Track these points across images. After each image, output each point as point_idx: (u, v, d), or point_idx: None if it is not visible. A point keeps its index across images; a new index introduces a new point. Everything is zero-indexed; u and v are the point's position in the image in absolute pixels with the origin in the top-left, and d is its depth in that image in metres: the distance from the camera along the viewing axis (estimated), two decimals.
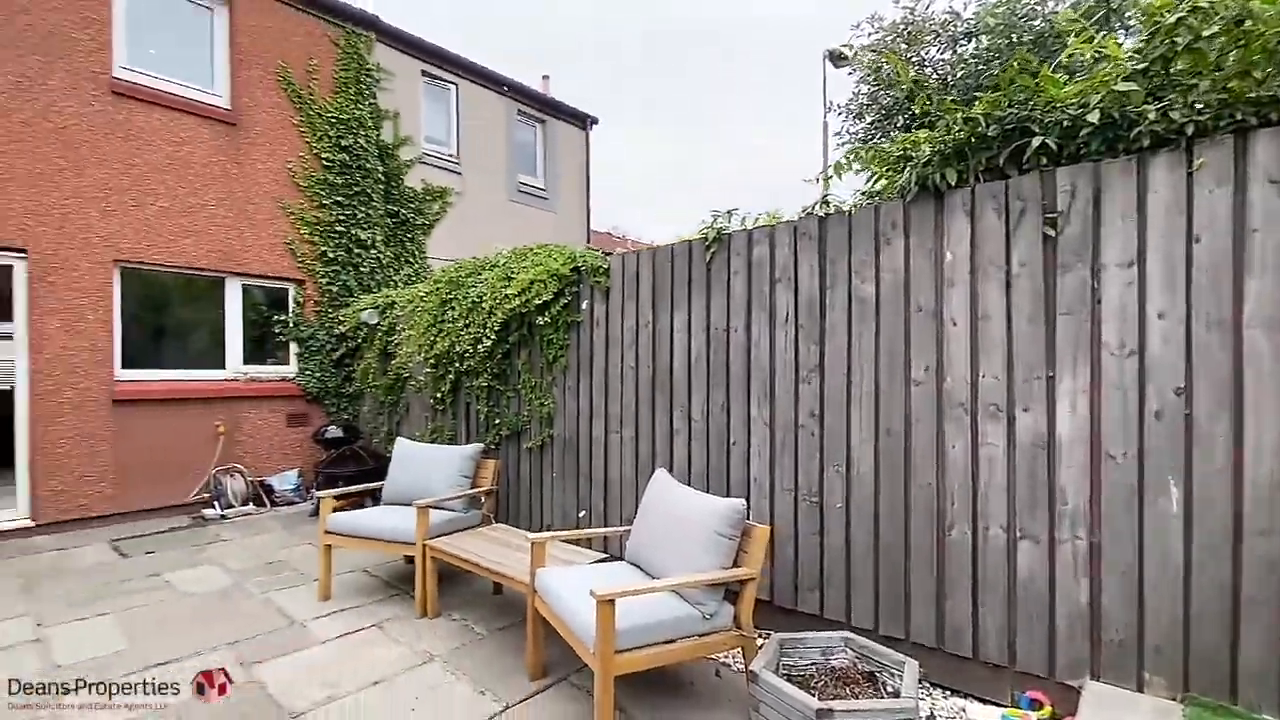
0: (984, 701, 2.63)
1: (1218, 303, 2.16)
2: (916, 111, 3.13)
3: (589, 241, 11.69)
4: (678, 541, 2.73)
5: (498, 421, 4.86)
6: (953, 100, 2.83)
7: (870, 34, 9.29)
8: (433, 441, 5.38)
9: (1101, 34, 2.61)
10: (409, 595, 3.86)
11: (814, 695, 2.25)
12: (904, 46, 8.45)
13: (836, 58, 10.65)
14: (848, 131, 9.40)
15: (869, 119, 8.84)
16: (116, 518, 5.66)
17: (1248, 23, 2.11)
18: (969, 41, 8.31)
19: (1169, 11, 2.24)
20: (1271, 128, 2.09)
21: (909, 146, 2.92)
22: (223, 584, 4.16)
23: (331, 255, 7.22)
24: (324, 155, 7.22)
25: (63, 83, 5.50)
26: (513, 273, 4.61)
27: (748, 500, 3.36)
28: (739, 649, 2.68)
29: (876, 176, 3.14)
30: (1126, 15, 7.15)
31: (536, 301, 4.38)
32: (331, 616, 3.60)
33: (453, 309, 5.11)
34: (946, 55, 8.56)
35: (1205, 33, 2.16)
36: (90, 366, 5.59)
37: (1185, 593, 2.20)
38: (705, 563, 2.58)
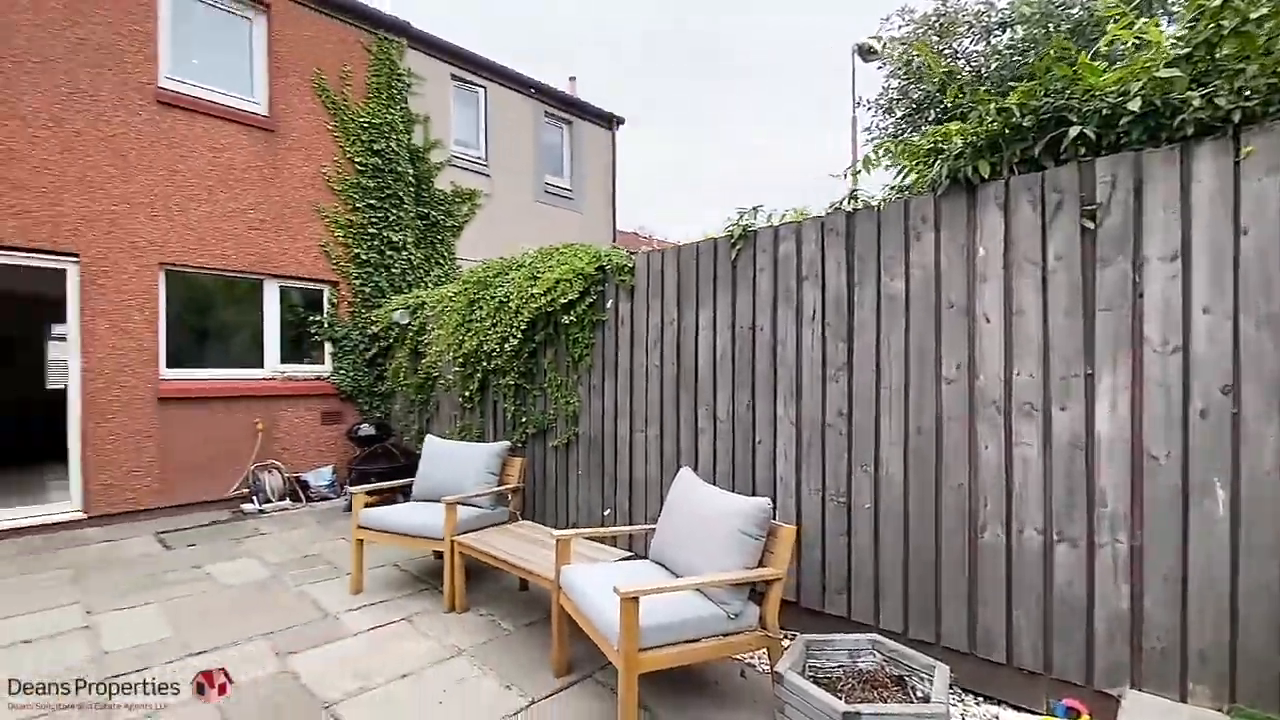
0: (1018, 709, 2.55)
1: (1267, 297, 2.06)
2: (949, 104, 3.07)
3: (615, 241, 11.73)
4: (702, 541, 2.72)
5: (524, 420, 4.91)
6: (985, 90, 2.76)
7: (901, 26, 9.12)
8: (461, 439, 5.46)
9: (1142, 20, 2.51)
10: (438, 590, 3.92)
11: (840, 698, 2.22)
12: (936, 39, 8.27)
13: (866, 52, 10.48)
14: (877, 127, 9.24)
15: (899, 114, 8.68)
16: (161, 511, 5.88)
17: None
18: (1004, 32, 8.09)
19: None
20: None
21: (940, 139, 2.85)
22: (260, 576, 4.29)
23: (364, 257, 7.39)
24: (357, 159, 7.40)
25: (112, 93, 5.73)
26: (538, 272, 4.65)
27: (774, 500, 3.32)
28: (764, 650, 2.65)
29: (906, 170, 3.08)
30: (1169, 0, 6.88)
31: (562, 300, 4.41)
32: (363, 609, 3.68)
33: (480, 309, 5.18)
34: (980, 47, 8.35)
35: (1253, 15, 2.06)
36: (137, 365, 5.82)
37: (1232, 598, 2.11)
38: (730, 562, 2.56)
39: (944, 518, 2.77)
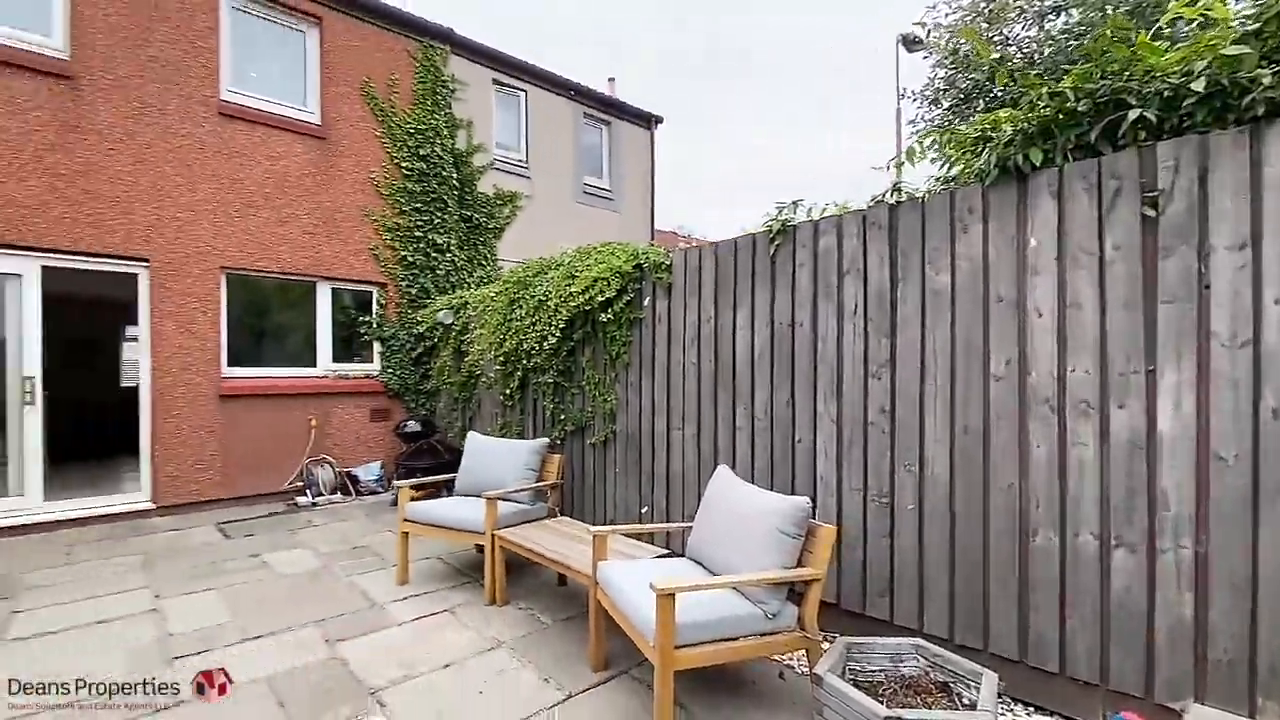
0: None
1: None
2: (998, 92, 2.96)
3: (653, 241, 11.73)
4: (739, 539, 2.70)
5: (563, 417, 4.97)
6: (1037, 75, 2.65)
7: (948, 14, 8.82)
8: (502, 436, 5.56)
9: None
10: (479, 583, 4.00)
11: (881, 702, 2.17)
12: (985, 26, 7.96)
13: (910, 42, 10.18)
14: (923, 119, 8.95)
15: (946, 104, 8.39)
16: (222, 502, 6.19)
17: None
18: (1057, 17, 7.73)
19: None
20: None
21: (988, 127, 2.76)
22: (312, 566, 4.47)
23: (411, 259, 7.62)
24: (404, 164, 7.62)
25: (179, 108, 6.07)
26: (576, 271, 4.69)
27: (813, 499, 3.27)
28: (803, 651, 2.61)
29: (953, 160, 2.98)
30: None
31: (600, 299, 4.44)
32: (408, 600, 3.79)
33: (520, 308, 5.27)
34: (1033, 33, 8.01)
35: None
36: (201, 364, 6.14)
37: None
38: (767, 561, 2.53)
39: (992, 519, 2.67)
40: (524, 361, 5.23)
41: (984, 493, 2.70)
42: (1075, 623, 2.43)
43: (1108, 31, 2.44)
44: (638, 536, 3.71)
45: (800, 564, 2.57)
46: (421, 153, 7.76)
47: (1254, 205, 2.07)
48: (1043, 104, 2.52)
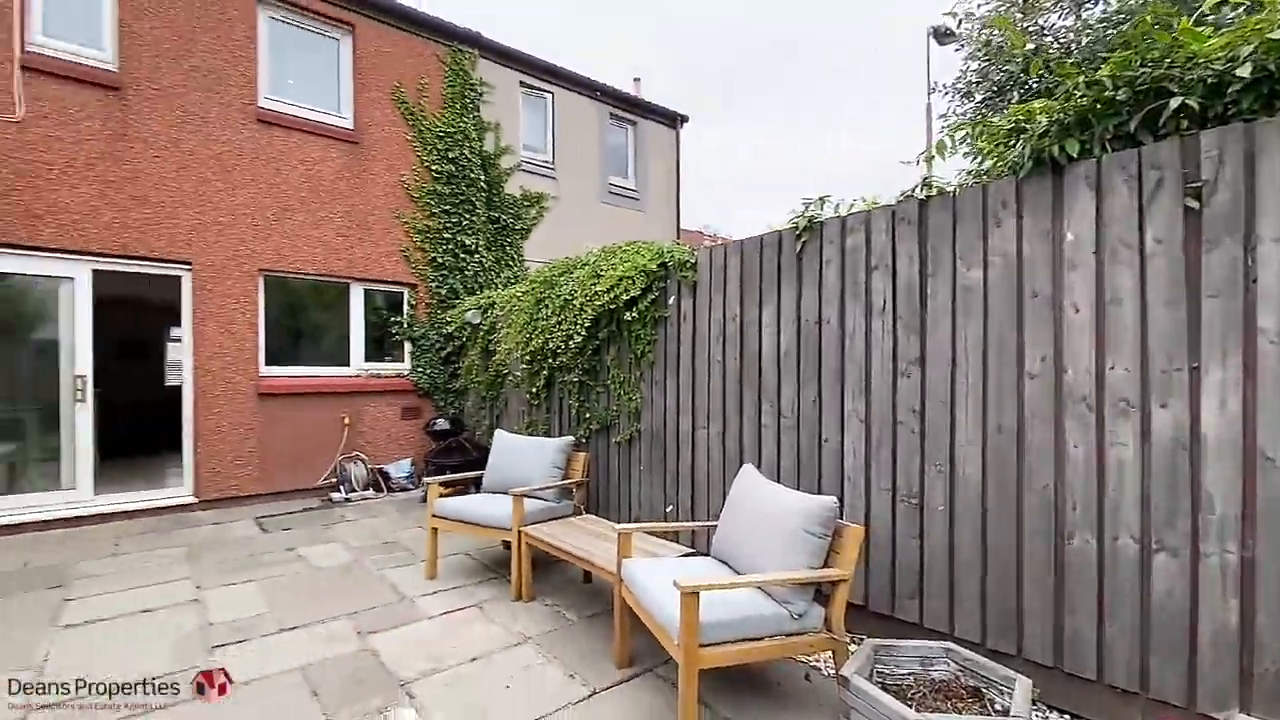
0: None
1: None
2: (1033, 84, 2.88)
3: (679, 240, 11.71)
4: (765, 539, 2.68)
5: (588, 416, 5.00)
6: (1073, 64, 2.57)
7: (980, 4, 8.60)
8: (529, 434, 5.62)
9: None
10: (506, 579, 4.05)
11: (910, 706, 2.13)
12: (1019, 15, 7.74)
13: (941, 34, 9.96)
14: (954, 112, 8.74)
15: (979, 98, 8.17)
16: (260, 497, 6.39)
17: None
18: (1095, 4, 7.47)
19: None
20: None
21: (1022, 118, 2.68)
22: (345, 560, 4.58)
23: (440, 261, 7.75)
24: (433, 167, 7.76)
25: (219, 115, 6.28)
26: (601, 270, 4.72)
27: (841, 499, 3.23)
28: (829, 652, 2.58)
29: (985, 153, 2.92)
30: None
31: (625, 297, 4.45)
32: (437, 595, 3.86)
33: (546, 307, 5.31)
34: (1069, 22, 7.75)
35: None
36: (240, 364, 6.34)
37: None
38: (793, 561, 2.51)
39: (1026, 521, 2.60)
40: (550, 360, 5.28)
41: (1018, 494, 2.63)
42: (1114, 628, 2.36)
43: (1148, 18, 2.36)
44: (662, 535, 3.72)
45: (827, 564, 2.54)
46: (450, 155, 7.89)
47: None
48: (1079, 93, 2.44)
